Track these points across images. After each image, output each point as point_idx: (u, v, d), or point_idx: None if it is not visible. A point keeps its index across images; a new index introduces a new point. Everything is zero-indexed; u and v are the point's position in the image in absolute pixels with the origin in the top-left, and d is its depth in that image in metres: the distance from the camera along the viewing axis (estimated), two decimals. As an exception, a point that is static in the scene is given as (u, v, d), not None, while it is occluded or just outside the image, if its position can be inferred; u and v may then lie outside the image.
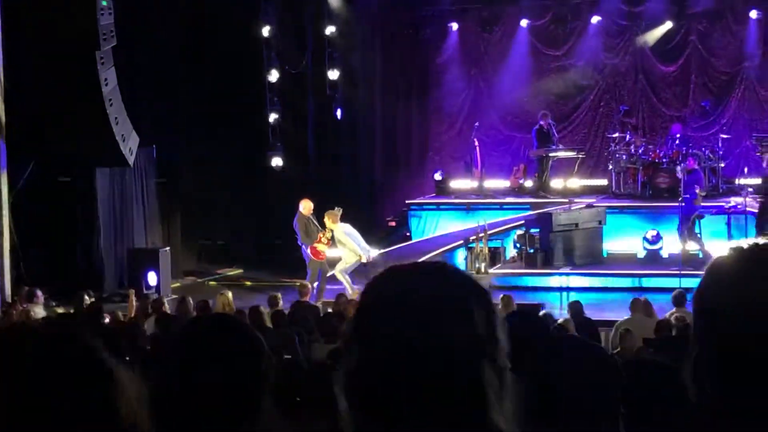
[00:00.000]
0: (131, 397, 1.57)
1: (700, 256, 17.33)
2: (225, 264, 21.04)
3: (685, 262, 16.97)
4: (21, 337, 1.62)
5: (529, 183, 22.45)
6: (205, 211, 20.89)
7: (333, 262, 17.04)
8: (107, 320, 12.26)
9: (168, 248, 18.54)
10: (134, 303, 14.12)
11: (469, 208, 21.42)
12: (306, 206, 16.84)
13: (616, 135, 21.81)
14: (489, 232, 18.76)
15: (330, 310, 13.42)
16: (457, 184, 23.09)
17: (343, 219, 16.83)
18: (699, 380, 1.69)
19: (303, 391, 4.57)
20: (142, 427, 1.59)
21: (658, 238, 19.05)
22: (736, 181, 21.04)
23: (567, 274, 17.96)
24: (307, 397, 4.50)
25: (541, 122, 21.59)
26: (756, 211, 18.14)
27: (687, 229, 17.77)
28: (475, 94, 24.06)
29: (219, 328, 2.44)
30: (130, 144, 16.55)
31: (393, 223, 22.51)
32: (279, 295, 13.69)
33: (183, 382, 2.30)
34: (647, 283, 17.29)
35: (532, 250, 18.33)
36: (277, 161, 21.64)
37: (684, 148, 20.50)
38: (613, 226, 19.28)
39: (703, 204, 18.28)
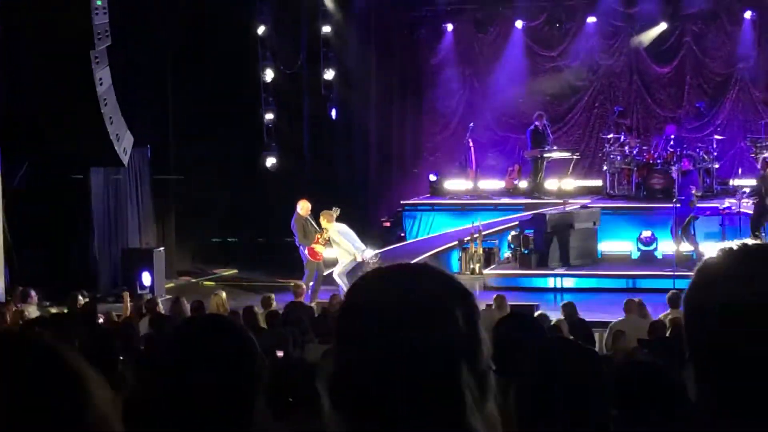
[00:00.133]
0: (100, 403, 1.54)
1: (695, 257, 17.34)
2: (220, 264, 21.03)
3: (680, 263, 16.99)
4: None
5: (523, 184, 22.45)
6: (200, 211, 20.87)
7: (330, 263, 17.06)
8: (101, 320, 12.24)
9: (162, 248, 18.54)
10: (129, 305, 14.11)
11: (463, 209, 21.43)
12: (304, 207, 16.85)
13: (611, 136, 21.81)
14: (483, 233, 18.77)
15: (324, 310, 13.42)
16: (452, 184, 23.09)
17: (339, 219, 16.85)
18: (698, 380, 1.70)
19: (296, 392, 4.57)
20: None
21: (652, 239, 19.08)
22: (731, 183, 21.08)
23: (561, 275, 17.98)
24: (300, 397, 4.50)
25: (536, 123, 21.60)
26: (750, 212, 18.17)
27: (682, 230, 17.79)
28: (470, 95, 24.07)
29: (211, 328, 2.44)
30: (124, 144, 16.53)
31: (388, 224, 22.51)
32: (272, 295, 13.69)
33: (175, 382, 2.29)
34: (641, 284, 17.30)
35: (526, 251, 18.34)
36: (271, 161, 21.63)
37: (678, 150, 20.52)
38: (607, 227, 19.29)
39: (697, 205, 18.30)
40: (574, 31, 23.48)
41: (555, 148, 21.94)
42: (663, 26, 22.83)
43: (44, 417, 1.48)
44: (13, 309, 13.21)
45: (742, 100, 22.73)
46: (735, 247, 1.70)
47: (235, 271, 20.67)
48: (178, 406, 2.27)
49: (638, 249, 19.29)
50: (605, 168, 21.65)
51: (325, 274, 16.98)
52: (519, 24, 23.50)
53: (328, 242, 16.70)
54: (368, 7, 23.11)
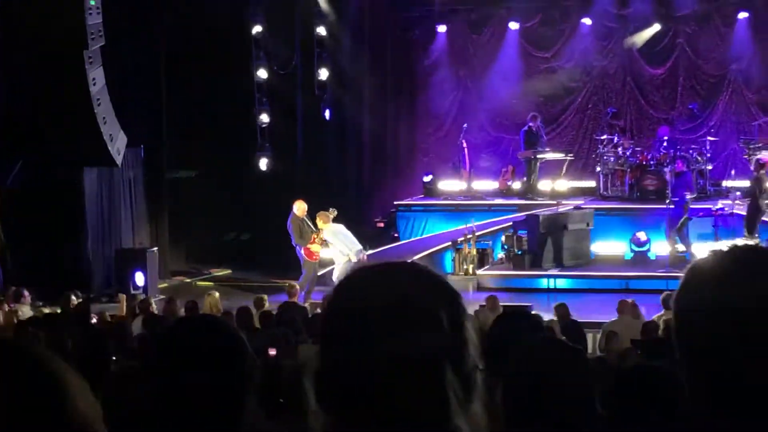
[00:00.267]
0: (81, 406, 1.53)
1: (688, 258, 17.36)
2: (214, 264, 21.01)
3: (673, 264, 17.02)
4: None
5: (517, 185, 22.47)
6: (194, 211, 20.85)
7: (327, 263, 17.07)
8: (94, 320, 12.23)
9: (156, 248, 18.52)
10: (125, 308, 14.06)
11: (457, 210, 21.44)
12: (300, 207, 16.85)
13: (604, 137, 21.84)
14: (477, 234, 18.77)
15: (318, 311, 13.42)
16: (446, 185, 23.11)
17: (335, 220, 16.86)
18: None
19: (287, 392, 4.57)
20: None
21: (645, 240, 19.10)
22: (724, 184, 21.11)
23: (555, 276, 18.00)
24: (292, 397, 4.50)
25: (530, 124, 21.62)
26: (744, 213, 18.20)
27: (675, 232, 17.81)
28: (464, 96, 24.09)
29: (202, 329, 2.44)
30: (118, 144, 16.51)
31: (381, 224, 22.53)
32: (265, 296, 13.69)
33: (166, 382, 2.30)
34: (634, 284, 17.32)
35: (519, 252, 18.36)
36: (265, 161, 21.62)
37: (672, 151, 20.55)
38: (600, 228, 19.32)
39: (691, 207, 18.33)
40: (569, 32, 23.52)
41: (548, 149, 21.97)
42: (656, 27, 22.87)
43: (21, 420, 1.47)
44: (6, 309, 13.19)
45: (735, 101, 22.79)
46: (725, 249, 1.71)
47: (229, 271, 20.66)
48: (169, 405, 2.27)
49: (631, 250, 19.31)
50: (598, 169, 21.68)
51: (319, 274, 16.99)
52: (513, 25, 23.53)
53: (324, 242, 16.71)
54: (362, 8, 23.12)
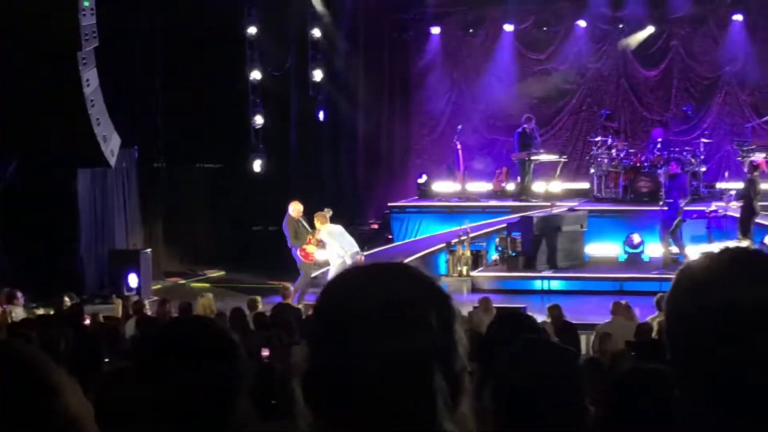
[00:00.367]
0: (71, 405, 1.53)
1: (681, 260, 17.38)
2: (208, 265, 20.99)
3: (666, 266, 17.04)
4: None
5: (511, 186, 22.48)
6: (187, 212, 20.84)
7: (323, 265, 17.05)
8: (87, 322, 12.21)
9: (149, 250, 18.50)
10: (120, 311, 14.02)
11: (451, 211, 21.44)
12: (295, 208, 16.84)
13: (598, 139, 21.86)
14: (471, 236, 18.77)
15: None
16: (440, 187, 23.12)
17: (330, 220, 16.84)
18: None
19: (281, 394, 4.57)
20: None
21: (639, 242, 19.12)
22: (717, 186, 21.15)
23: (548, 278, 18.01)
24: (285, 399, 4.49)
25: (525, 125, 21.62)
26: (737, 215, 18.22)
27: (669, 234, 17.82)
28: (458, 97, 24.11)
29: (193, 331, 2.44)
30: (111, 145, 16.48)
31: (375, 226, 22.52)
32: (258, 298, 13.68)
33: (157, 384, 2.29)
34: (628, 286, 17.34)
35: (513, 254, 18.37)
36: (259, 163, 21.60)
37: (665, 153, 20.57)
38: (594, 230, 19.33)
39: (684, 208, 18.34)
40: (563, 34, 23.54)
41: (542, 151, 21.98)
42: (650, 30, 22.89)
43: (14, 419, 1.47)
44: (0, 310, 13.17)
45: (729, 103, 22.82)
46: (717, 251, 1.71)
47: (223, 272, 20.65)
48: (160, 407, 2.27)
49: (625, 252, 19.33)
50: (592, 171, 21.70)
51: (314, 275, 16.97)
52: (507, 27, 23.54)
53: (320, 243, 16.70)
54: (356, 9, 23.12)
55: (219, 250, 21.38)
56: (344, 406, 1.60)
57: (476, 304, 13.03)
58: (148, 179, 19.93)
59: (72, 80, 15.39)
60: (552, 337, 8.98)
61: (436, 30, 24.04)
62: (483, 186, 23.19)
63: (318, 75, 22.44)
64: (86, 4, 15.34)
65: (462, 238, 18.51)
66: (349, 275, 1.72)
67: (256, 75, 21.47)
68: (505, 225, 19.48)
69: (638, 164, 20.93)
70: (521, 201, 21.41)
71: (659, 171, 20.11)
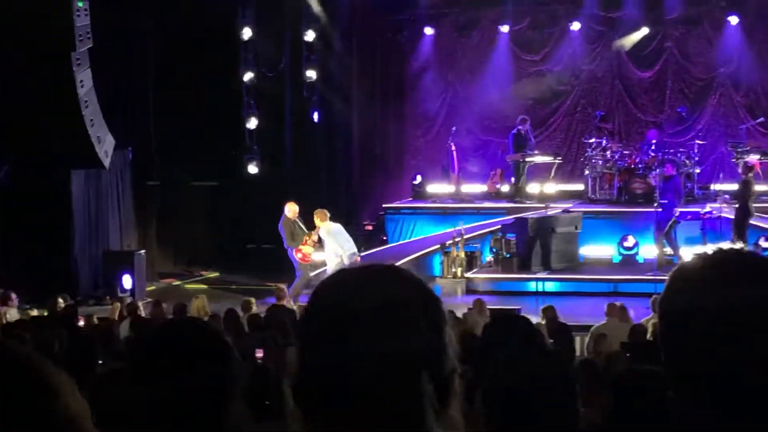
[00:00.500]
0: (70, 405, 1.53)
1: (675, 261, 17.40)
2: (202, 267, 20.98)
3: (660, 267, 17.06)
4: None
5: (505, 187, 22.48)
6: (182, 214, 20.82)
7: (320, 265, 17.03)
8: (81, 323, 12.19)
9: (143, 251, 18.47)
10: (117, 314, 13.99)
11: (445, 213, 21.44)
12: (291, 209, 16.82)
13: (593, 140, 21.87)
14: (466, 237, 18.78)
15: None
16: (434, 188, 23.12)
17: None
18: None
19: (274, 395, 4.56)
20: None
21: (634, 243, 19.14)
22: (712, 187, 21.16)
23: (543, 279, 18.01)
24: (279, 400, 4.49)
25: (519, 127, 21.63)
26: (732, 216, 18.24)
27: (663, 235, 17.84)
28: (453, 99, 24.11)
29: (187, 332, 2.43)
30: (105, 146, 16.47)
31: (370, 227, 22.51)
32: (253, 299, 13.65)
33: (150, 386, 2.29)
34: (623, 287, 17.34)
35: (508, 255, 18.37)
36: (254, 164, 21.59)
37: (660, 154, 20.59)
38: (589, 231, 19.34)
39: (679, 210, 18.37)
40: (557, 35, 23.55)
41: (537, 152, 21.99)
42: (645, 31, 22.91)
43: (14, 419, 1.47)
44: (-7, 312, 13.14)
45: (724, 105, 22.84)
46: (710, 252, 1.71)
47: (218, 274, 20.63)
48: (153, 409, 2.27)
49: (619, 253, 19.34)
50: (587, 172, 21.72)
51: (312, 275, 16.94)
52: (502, 28, 23.55)
53: (316, 244, 16.68)
54: (351, 11, 23.12)
55: (213, 251, 21.36)
56: (334, 406, 1.60)
57: (470, 306, 13.03)
58: (142, 180, 19.91)
59: (66, 81, 15.37)
60: (546, 339, 8.98)
61: (430, 31, 24.04)
62: (477, 187, 23.18)
63: (312, 76, 22.43)
64: (80, 4, 15.33)
65: (456, 239, 18.52)
66: (340, 277, 1.72)
67: (249, 76, 21.45)
68: (499, 226, 19.48)
69: (633, 166, 20.95)
70: (516, 202, 21.43)
71: (654, 173, 20.13)
